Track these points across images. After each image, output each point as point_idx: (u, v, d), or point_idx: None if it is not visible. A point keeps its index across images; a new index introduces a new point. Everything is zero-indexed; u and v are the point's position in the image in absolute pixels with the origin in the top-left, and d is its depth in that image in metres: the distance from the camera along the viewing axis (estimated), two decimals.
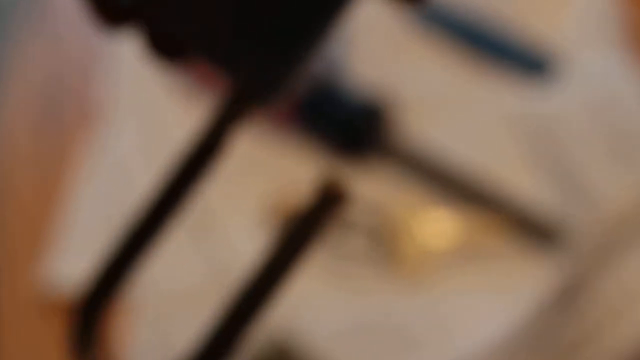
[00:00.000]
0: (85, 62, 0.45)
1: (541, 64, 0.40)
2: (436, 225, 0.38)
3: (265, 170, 0.39)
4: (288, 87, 0.19)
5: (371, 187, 0.39)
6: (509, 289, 0.36)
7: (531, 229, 0.36)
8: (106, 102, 0.42)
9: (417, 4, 0.19)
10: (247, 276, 0.17)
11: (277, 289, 0.17)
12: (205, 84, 0.37)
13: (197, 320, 0.34)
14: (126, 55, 0.43)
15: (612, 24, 0.42)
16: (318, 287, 0.38)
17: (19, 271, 0.38)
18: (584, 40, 0.42)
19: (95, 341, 0.19)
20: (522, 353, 0.35)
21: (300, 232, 0.17)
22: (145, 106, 0.42)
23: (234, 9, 0.18)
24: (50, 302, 0.37)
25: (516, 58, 0.41)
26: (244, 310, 0.17)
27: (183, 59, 0.20)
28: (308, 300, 0.37)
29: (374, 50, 0.44)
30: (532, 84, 0.41)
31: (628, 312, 0.35)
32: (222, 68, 0.19)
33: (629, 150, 0.39)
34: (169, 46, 0.20)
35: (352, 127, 0.39)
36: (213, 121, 0.19)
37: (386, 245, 0.38)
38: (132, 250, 0.19)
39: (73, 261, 0.38)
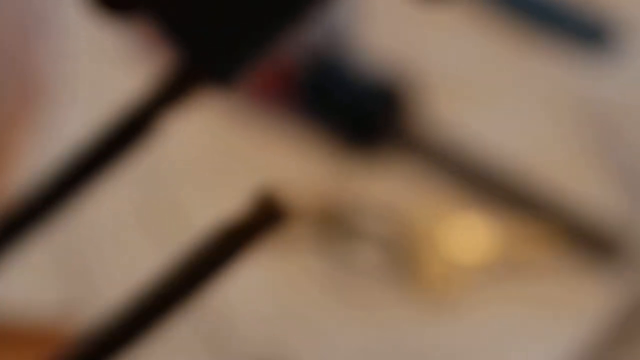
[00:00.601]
0: (24, 29, 0.43)
1: (602, 35, 0.35)
2: (467, 235, 0.33)
3: (252, 166, 0.34)
4: (251, 66, 0.17)
5: (386, 187, 0.35)
6: (559, 315, 0.32)
7: (589, 240, 0.31)
8: (51, 77, 0.39)
9: None
10: (157, 280, 0.15)
11: (180, 301, 0.16)
12: (157, 49, 0.33)
13: (166, 344, 0.30)
14: (71, 22, 0.41)
15: None
16: (323, 309, 0.34)
17: None
18: None
19: None
20: None
21: (223, 247, 0.15)
22: (95, 79, 0.40)
23: None
24: None
25: (570, 28, 0.36)
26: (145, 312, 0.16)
27: (130, 15, 0.17)
28: (312, 324, 0.34)
29: (391, 14, 0.39)
30: (590, 60, 0.36)
31: None
32: (170, 31, 0.17)
33: None
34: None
35: (363, 112, 0.34)
36: (147, 95, 0.17)
37: (405, 260, 0.34)
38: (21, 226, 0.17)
39: (14, 281, 0.36)
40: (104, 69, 0.37)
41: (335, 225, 0.34)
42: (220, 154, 0.36)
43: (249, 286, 0.35)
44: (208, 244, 0.15)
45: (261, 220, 0.15)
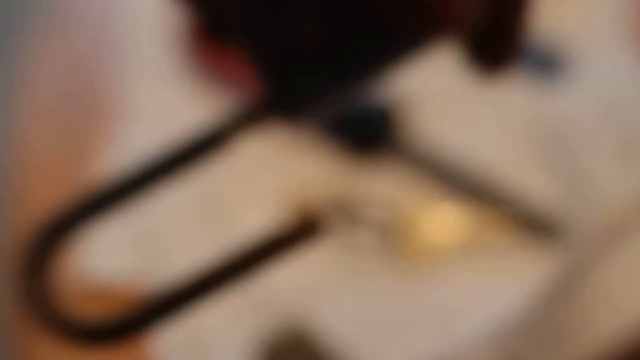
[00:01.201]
0: (101, 59, 0.46)
1: (551, 63, 0.40)
2: (443, 221, 0.38)
3: (281, 167, 0.39)
4: (318, 111, 0.19)
5: (382, 184, 0.40)
6: (510, 280, 0.38)
7: (535, 226, 0.37)
8: (123, 100, 0.42)
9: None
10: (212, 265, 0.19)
11: (223, 288, 0.19)
12: (224, 86, 0.38)
13: (215, 306, 0.36)
14: (145, 53, 0.43)
15: (623, 23, 0.41)
16: (331, 276, 0.39)
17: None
18: (595, 39, 0.41)
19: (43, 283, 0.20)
20: (519, 337, 0.36)
21: (266, 250, 0.19)
22: (162, 104, 0.43)
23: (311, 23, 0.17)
24: (84, 290, 0.40)
25: (526, 57, 0.40)
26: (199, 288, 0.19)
27: (223, 43, 0.19)
28: (321, 289, 0.39)
29: None
30: (542, 83, 0.41)
31: (621, 302, 0.36)
32: (261, 65, 0.18)
33: (637, 152, 0.39)
34: (216, 23, 0.19)
35: (365, 127, 0.39)
36: (227, 117, 0.19)
37: (395, 239, 0.39)
38: (97, 208, 0.19)
39: (99, 250, 0.40)
40: (167, 97, 0.42)
41: (343, 214, 0.40)
42: (255, 156, 0.42)
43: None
44: (260, 246, 0.19)
45: (300, 233, 0.18)
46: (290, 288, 0.37)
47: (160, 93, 0.43)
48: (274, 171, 0.41)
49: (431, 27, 0.18)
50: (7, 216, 0.42)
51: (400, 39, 0.18)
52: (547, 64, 0.40)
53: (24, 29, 0.50)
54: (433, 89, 0.42)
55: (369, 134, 0.39)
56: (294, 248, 0.19)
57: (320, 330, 0.37)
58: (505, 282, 0.38)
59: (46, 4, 0.48)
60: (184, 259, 0.38)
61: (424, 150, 0.40)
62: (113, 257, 0.38)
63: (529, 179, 0.39)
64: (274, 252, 0.19)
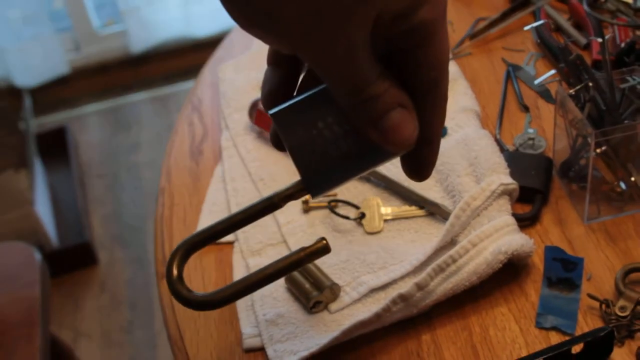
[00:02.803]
0: (215, 126, 0.66)
1: None
2: (385, 207, 0.55)
3: (289, 172, 0.53)
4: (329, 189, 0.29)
5: (358, 189, 0.57)
6: (421, 237, 0.53)
7: (433, 212, 0.54)
8: (224, 146, 0.63)
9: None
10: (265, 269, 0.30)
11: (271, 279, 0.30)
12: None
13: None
14: (236, 122, 0.65)
15: (470, 114, 0.59)
16: (327, 235, 0.53)
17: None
18: (454, 118, 0.60)
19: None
20: (428, 263, 0.48)
21: (296, 260, 0.30)
22: (244, 148, 0.62)
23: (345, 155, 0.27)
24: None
25: None
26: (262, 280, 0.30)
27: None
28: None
29: None
30: None
31: (475, 250, 0.47)
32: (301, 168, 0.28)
33: (479, 168, 0.52)
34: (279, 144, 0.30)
35: None
36: (279, 193, 0.29)
37: (363, 217, 0.55)
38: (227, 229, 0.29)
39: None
40: (247, 144, 0.58)
41: (334, 204, 0.55)
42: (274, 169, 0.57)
43: (299, 227, 0.55)
44: (298, 256, 0.29)
45: (319, 249, 0.30)
46: (305, 243, 0.42)
47: (245, 142, 0.62)
48: (285, 175, 0.56)
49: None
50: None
51: (387, 157, 0.28)
52: None
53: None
54: None
55: None
56: (316, 256, 0.30)
57: (319, 268, 0.49)
58: (418, 238, 0.53)
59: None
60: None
61: (376, 174, 0.57)
62: None
63: (428, 186, 0.55)
64: (305, 260, 0.30)
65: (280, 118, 0.28)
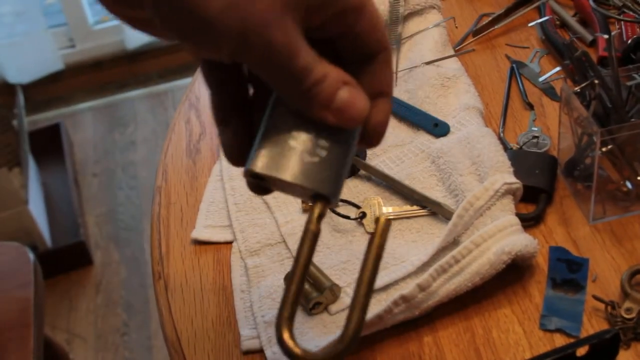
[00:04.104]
0: (212, 123, 0.67)
1: (437, 125, 0.59)
2: (386, 206, 0.55)
3: None
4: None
5: (358, 188, 0.57)
6: (424, 240, 0.52)
7: (435, 211, 0.53)
8: (219, 148, 0.63)
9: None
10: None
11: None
12: None
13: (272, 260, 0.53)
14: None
15: (473, 111, 0.59)
16: (329, 236, 0.53)
17: (186, 232, 0.57)
18: (456, 116, 0.60)
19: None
20: (430, 264, 0.47)
21: (376, 255, 0.30)
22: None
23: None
24: (198, 247, 0.56)
25: (425, 123, 0.60)
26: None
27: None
28: (325, 243, 0.52)
29: None
30: (433, 134, 0.59)
31: (478, 251, 0.47)
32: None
33: (482, 167, 0.52)
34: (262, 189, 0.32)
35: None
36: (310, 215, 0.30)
37: (364, 214, 0.55)
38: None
39: (205, 226, 0.57)
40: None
41: (336, 205, 0.54)
42: None
43: (298, 227, 0.53)
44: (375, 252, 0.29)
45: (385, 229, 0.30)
46: None
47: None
48: None
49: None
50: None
51: (354, 134, 0.30)
52: (435, 126, 0.59)
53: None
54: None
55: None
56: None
57: (321, 270, 0.49)
58: (420, 238, 0.52)
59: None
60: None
61: (377, 171, 0.57)
62: None
63: (430, 184, 0.55)
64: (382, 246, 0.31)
65: (264, 168, 0.30)
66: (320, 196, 0.30)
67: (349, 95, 0.30)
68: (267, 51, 0.29)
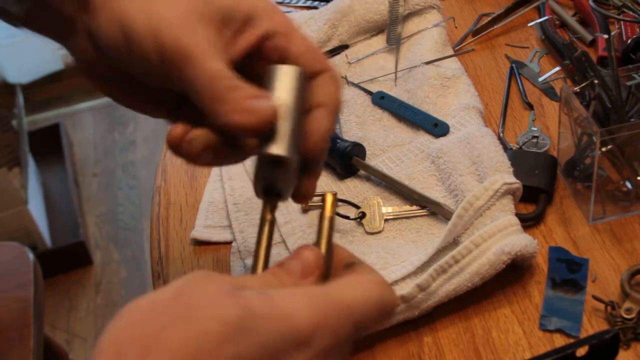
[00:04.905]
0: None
1: (436, 125, 0.59)
2: (386, 207, 0.55)
3: None
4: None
5: (358, 188, 0.57)
6: (424, 240, 0.52)
7: (435, 211, 0.53)
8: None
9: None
10: None
11: None
12: None
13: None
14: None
15: (473, 111, 0.59)
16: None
17: (185, 232, 0.57)
18: (456, 116, 0.60)
19: None
20: (430, 264, 0.47)
21: (329, 226, 0.32)
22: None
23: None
24: (197, 247, 0.56)
25: (425, 123, 0.60)
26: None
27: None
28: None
29: (354, 120, 0.62)
30: (433, 134, 0.59)
31: (478, 251, 0.47)
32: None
33: (482, 167, 0.52)
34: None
35: (345, 157, 0.56)
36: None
37: (364, 214, 0.54)
38: None
39: (204, 226, 0.58)
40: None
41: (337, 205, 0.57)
42: None
43: (298, 227, 0.55)
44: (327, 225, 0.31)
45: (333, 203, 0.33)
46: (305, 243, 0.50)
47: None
48: None
49: None
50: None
51: None
52: (435, 126, 0.59)
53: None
54: (377, 138, 0.60)
55: (347, 162, 0.57)
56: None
57: None
58: (419, 238, 0.52)
59: None
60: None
61: (376, 171, 0.57)
62: None
63: (430, 183, 0.55)
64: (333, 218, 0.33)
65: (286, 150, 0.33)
66: (278, 160, 0.32)
67: (257, 101, 0.33)
68: (177, 50, 0.32)
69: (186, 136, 0.34)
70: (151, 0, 0.33)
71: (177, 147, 0.34)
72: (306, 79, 0.34)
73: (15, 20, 0.36)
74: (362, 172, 0.58)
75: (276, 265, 0.30)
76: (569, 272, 0.49)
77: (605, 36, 0.60)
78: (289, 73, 0.33)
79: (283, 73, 0.33)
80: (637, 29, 0.64)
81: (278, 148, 0.32)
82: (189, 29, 0.32)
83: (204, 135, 0.34)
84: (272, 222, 0.33)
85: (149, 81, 0.35)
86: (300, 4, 0.80)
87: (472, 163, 0.53)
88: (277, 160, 0.32)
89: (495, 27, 0.71)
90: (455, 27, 0.73)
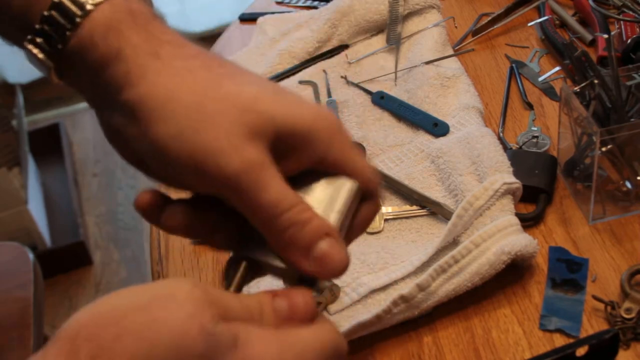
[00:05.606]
0: None
1: (436, 125, 0.60)
2: (386, 206, 0.55)
3: None
4: None
5: None
6: (424, 239, 0.52)
7: (435, 211, 0.54)
8: None
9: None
10: None
11: None
12: None
13: None
14: None
15: (472, 111, 0.59)
16: None
17: None
18: (455, 116, 0.60)
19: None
20: (430, 264, 0.47)
21: None
22: None
23: None
24: (197, 247, 0.56)
25: (424, 123, 0.60)
26: None
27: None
28: None
29: (354, 120, 0.62)
30: (433, 134, 0.60)
31: (478, 251, 0.47)
32: None
33: (482, 167, 0.52)
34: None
35: None
36: None
37: None
38: None
39: None
40: None
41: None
42: None
43: None
44: None
45: None
46: None
47: None
48: None
49: None
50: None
51: None
52: (434, 125, 0.60)
53: None
54: (378, 139, 0.60)
55: None
56: None
57: None
58: (419, 238, 0.52)
59: None
60: None
61: (377, 170, 0.58)
62: None
63: (429, 183, 0.55)
64: None
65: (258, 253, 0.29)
66: (305, 281, 0.29)
67: (329, 247, 0.28)
68: (222, 179, 0.27)
69: (166, 209, 0.30)
70: (191, 126, 0.27)
71: (145, 214, 0.31)
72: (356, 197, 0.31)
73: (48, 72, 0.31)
74: None
75: (267, 294, 0.28)
76: (569, 272, 0.49)
77: (605, 36, 0.60)
78: (346, 190, 0.30)
79: (340, 188, 0.30)
80: (637, 29, 0.64)
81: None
82: (243, 155, 0.27)
83: (184, 211, 0.30)
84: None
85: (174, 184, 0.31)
86: (300, 4, 0.80)
87: (472, 163, 0.53)
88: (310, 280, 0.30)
89: (495, 27, 0.71)
90: (455, 27, 0.73)
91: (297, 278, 0.30)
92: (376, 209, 0.32)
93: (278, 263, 0.29)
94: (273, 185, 0.28)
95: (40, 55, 0.30)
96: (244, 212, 0.28)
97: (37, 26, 0.29)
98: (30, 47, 0.30)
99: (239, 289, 0.30)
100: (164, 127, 0.27)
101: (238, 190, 0.27)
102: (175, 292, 0.24)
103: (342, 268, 0.28)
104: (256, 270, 0.31)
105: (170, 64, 0.29)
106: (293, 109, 0.29)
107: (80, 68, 0.29)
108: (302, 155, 0.29)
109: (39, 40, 0.29)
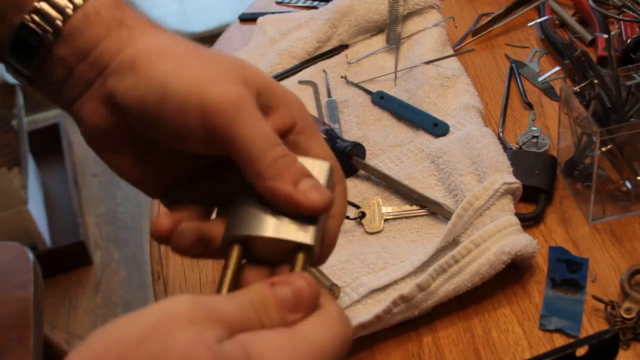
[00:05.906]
0: None
1: (436, 125, 0.60)
2: (386, 206, 0.55)
3: None
4: None
5: (358, 188, 0.57)
6: (423, 239, 0.52)
7: (435, 211, 0.53)
8: None
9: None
10: None
11: None
12: None
13: None
14: None
15: (472, 111, 0.59)
16: None
17: None
18: (455, 116, 0.60)
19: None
20: (430, 264, 0.47)
21: None
22: None
23: None
24: None
25: (424, 122, 0.60)
26: None
27: None
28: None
29: (354, 120, 0.62)
30: (433, 134, 0.59)
31: (478, 251, 0.47)
32: None
33: (482, 167, 0.52)
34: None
35: (346, 156, 0.57)
36: None
37: (364, 214, 0.55)
38: None
39: None
40: None
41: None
42: None
43: None
44: None
45: None
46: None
47: None
48: None
49: None
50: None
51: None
52: (434, 125, 0.59)
53: None
54: (377, 138, 0.60)
55: (347, 160, 0.57)
56: None
57: (322, 270, 0.48)
58: (419, 238, 0.52)
59: None
60: None
61: (375, 170, 0.57)
62: None
63: (429, 183, 0.55)
64: None
65: (245, 229, 0.29)
66: (302, 247, 0.29)
67: (316, 181, 0.30)
68: (223, 106, 0.29)
69: (176, 228, 0.31)
70: (189, 64, 0.31)
71: (164, 239, 0.32)
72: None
73: (24, 79, 0.33)
74: (362, 171, 0.58)
75: (265, 284, 0.27)
76: (568, 272, 0.49)
77: (605, 36, 0.60)
78: (325, 168, 0.31)
79: (319, 167, 0.31)
80: (637, 29, 0.64)
81: (308, 238, 0.30)
82: (236, 87, 0.30)
83: (194, 228, 0.31)
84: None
85: (176, 145, 0.32)
86: (300, 4, 0.80)
87: (471, 163, 0.53)
88: (303, 247, 0.30)
89: (495, 26, 0.71)
90: (455, 26, 0.73)
91: (292, 249, 0.29)
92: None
93: (278, 234, 0.29)
94: (264, 120, 0.30)
95: (38, 30, 0.31)
96: (237, 144, 0.29)
97: (35, 4, 0.31)
98: (28, 24, 0.31)
99: (234, 287, 0.30)
100: (164, 65, 0.30)
101: (237, 115, 0.29)
102: (176, 316, 0.24)
103: (329, 200, 0.29)
104: (246, 256, 0.31)
105: (166, 33, 0.33)
106: (270, 78, 0.32)
107: (73, 48, 0.32)
108: (279, 116, 0.31)
109: (36, 17, 0.31)
